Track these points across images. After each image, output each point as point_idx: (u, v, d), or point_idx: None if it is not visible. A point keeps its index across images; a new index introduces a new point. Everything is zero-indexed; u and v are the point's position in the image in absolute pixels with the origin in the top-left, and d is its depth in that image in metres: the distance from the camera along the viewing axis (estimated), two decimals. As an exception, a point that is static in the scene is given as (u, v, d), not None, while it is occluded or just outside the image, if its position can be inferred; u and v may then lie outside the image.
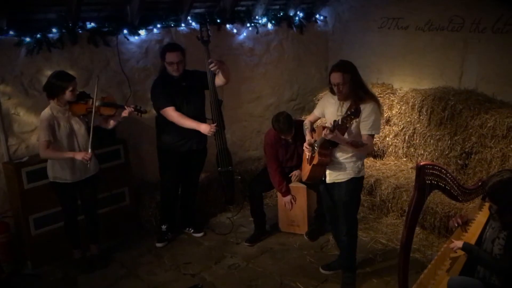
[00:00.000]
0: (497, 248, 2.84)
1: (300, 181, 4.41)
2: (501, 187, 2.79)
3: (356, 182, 3.60)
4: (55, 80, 3.71)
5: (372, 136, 3.49)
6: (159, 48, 4.79)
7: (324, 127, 3.43)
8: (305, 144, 3.68)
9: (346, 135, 3.39)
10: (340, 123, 3.20)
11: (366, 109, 3.38)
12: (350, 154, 3.51)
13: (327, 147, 3.49)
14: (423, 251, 4.16)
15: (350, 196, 3.60)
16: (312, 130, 3.75)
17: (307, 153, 3.71)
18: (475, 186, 3.11)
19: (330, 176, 3.60)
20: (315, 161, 3.54)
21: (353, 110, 3.14)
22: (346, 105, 3.46)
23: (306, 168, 3.76)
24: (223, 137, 4.37)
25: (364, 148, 3.49)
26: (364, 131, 3.43)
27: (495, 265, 2.83)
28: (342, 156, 3.52)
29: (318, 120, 3.94)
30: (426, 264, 3.52)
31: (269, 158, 4.45)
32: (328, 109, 3.62)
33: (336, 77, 3.39)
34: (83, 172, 3.90)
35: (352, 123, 3.33)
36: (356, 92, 3.43)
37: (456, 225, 3.23)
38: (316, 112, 3.82)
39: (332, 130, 3.24)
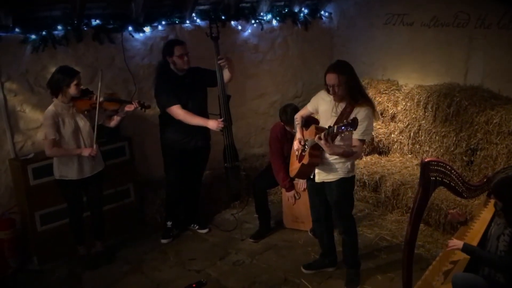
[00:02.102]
0: (502, 245, 2.82)
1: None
2: (506, 184, 2.77)
3: (346, 182, 3.54)
4: (60, 75, 3.73)
5: (362, 141, 3.41)
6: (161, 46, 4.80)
7: (316, 128, 3.41)
8: (296, 141, 3.62)
9: (338, 137, 3.31)
10: (335, 131, 3.11)
11: (361, 113, 3.31)
12: None
13: (318, 148, 3.42)
14: (428, 247, 4.15)
15: (341, 196, 3.56)
16: (304, 125, 3.71)
17: (296, 150, 3.68)
18: (480, 182, 3.10)
19: (319, 176, 3.57)
20: (305, 161, 3.51)
21: (350, 121, 3.04)
22: (342, 105, 3.39)
23: (295, 165, 3.73)
24: (230, 132, 4.38)
25: (354, 156, 3.43)
26: (356, 136, 3.34)
27: (499, 263, 2.82)
28: (332, 156, 3.45)
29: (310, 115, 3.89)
30: (430, 261, 3.52)
31: (274, 153, 4.44)
32: (322, 107, 3.55)
33: (331, 78, 3.32)
34: (89, 170, 3.92)
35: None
36: (352, 94, 3.34)
37: (455, 216, 3.23)
38: (309, 107, 3.72)
39: (325, 138, 3.17)
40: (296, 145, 3.66)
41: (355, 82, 3.39)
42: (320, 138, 3.19)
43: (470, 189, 3.03)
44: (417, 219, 2.88)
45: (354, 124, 3.02)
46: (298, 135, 3.69)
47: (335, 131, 3.10)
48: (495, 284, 2.84)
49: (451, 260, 3.09)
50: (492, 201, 3.06)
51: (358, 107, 3.33)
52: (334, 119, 3.39)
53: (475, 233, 3.12)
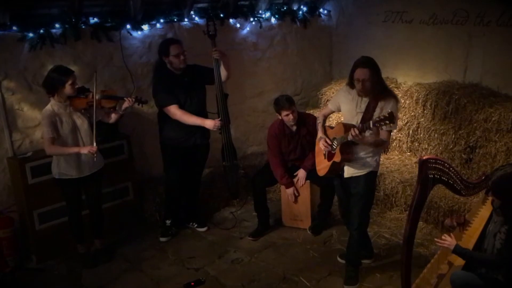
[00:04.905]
0: (498, 243, 2.82)
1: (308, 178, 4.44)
2: (503, 182, 2.77)
3: (373, 176, 3.63)
4: (55, 75, 3.72)
5: (389, 132, 3.51)
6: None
7: (344, 126, 3.43)
8: (322, 141, 3.68)
9: (367, 132, 3.40)
10: (371, 126, 3.21)
11: (386, 105, 3.40)
12: (370, 149, 3.54)
13: (350, 145, 3.49)
14: (427, 245, 4.16)
15: (367, 189, 3.61)
16: (324, 123, 3.80)
17: (323, 149, 3.71)
18: (478, 180, 3.11)
19: (348, 171, 3.62)
20: (337, 159, 3.55)
21: (387, 115, 3.12)
22: (365, 101, 3.46)
23: (324, 163, 3.77)
24: (228, 131, 4.37)
25: (383, 145, 3.59)
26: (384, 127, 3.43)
27: (492, 263, 2.82)
28: (362, 152, 3.53)
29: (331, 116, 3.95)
30: (429, 259, 3.52)
31: (272, 150, 4.45)
32: (345, 105, 3.61)
33: (363, 73, 3.38)
34: (89, 168, 3.91)
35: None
36: (378, 88, 3.44)
37: (454, 224, 3.23)
38: (331, 106, 3.82)
39: (360, 132, 3.26)
40: (322, 145, 3.70)
41: (380, 76, 3.49)
42: (355, 135, 3.27)
43: (469, 186, 3.03)
44: (416, 217, 2.88)
45: (391, 118, 3.11)
46: (319, 133, 3.75)
47: (371, 126, 3.20)
48: (494, 282, 2.84)
49: (450, 258, 3.09)
50: (491, 198, 3.06)
51: (382, 101, 3.41)
52: (360, 115, 3.46)
53: (473, 230, 3.12)
